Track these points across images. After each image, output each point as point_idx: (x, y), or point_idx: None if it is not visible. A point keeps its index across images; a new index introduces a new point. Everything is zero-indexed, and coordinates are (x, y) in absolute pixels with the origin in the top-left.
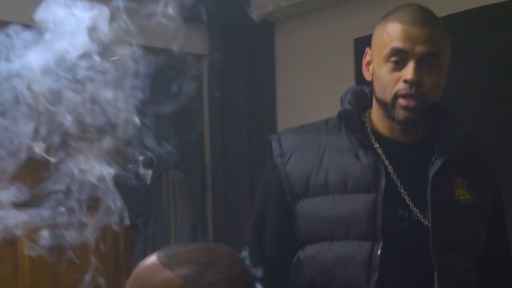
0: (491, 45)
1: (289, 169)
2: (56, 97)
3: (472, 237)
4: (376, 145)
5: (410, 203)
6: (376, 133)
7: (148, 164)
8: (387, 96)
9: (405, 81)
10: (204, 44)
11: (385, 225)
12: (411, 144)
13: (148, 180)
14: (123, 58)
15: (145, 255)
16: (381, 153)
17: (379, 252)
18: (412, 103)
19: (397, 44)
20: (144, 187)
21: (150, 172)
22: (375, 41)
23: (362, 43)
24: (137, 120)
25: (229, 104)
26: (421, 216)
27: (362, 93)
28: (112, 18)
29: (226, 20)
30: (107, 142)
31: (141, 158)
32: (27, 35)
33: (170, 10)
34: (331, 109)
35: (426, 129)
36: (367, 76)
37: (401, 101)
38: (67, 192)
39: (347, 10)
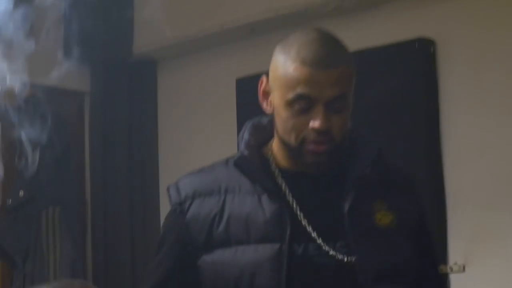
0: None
1: (190, 219)
2: None
3: (401, 261)
4: (282, 185)
5: (323, 244)
6: (281, 169)
7: (27, 200)
8: (293, 141)
9: (314, 130)
10: (86, 81)
11: (292, 276)
12: (321, 176)
13: (27, 216)
14: (3, 94)
15: None
16: (286, 195)
17: None
18: (321, 148)
19: (302, 90)
20: (23, 223)
21: (29, 208)
22: (273, 72)
23: (244, 84)
24: (16, 155)
25: (110, 141)
26: (340, 254)
27: (260, 126)
28: None
29: (108, 57)
30: None
31: (21, 194)
32: None
33: (52, 46)
34: (213, 149)
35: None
36: (267, 109)
37: (310, 146)
38: None
39: (229, 51)
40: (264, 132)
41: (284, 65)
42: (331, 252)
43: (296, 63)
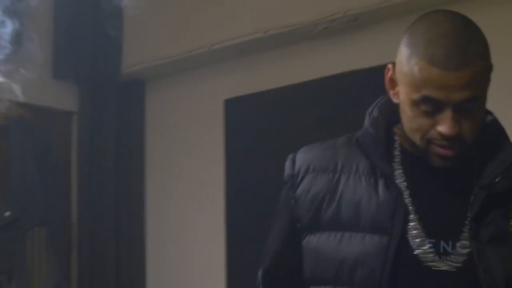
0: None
1: (299, 194)
2: None
3: None
4: (403, 171)
5: (440, 244)
6: (406, 153)
7: (13, 221)
8: (418, 140)
9: (441, 135)
10: (74, 101)
11: (397, 274)
12: (447, 170)
13: (13, 236)
14: None
15: None
16: (405, 183)
17: None
18: (449, 153)
19: (429, 92)
20: (8, 243)
21: (15, 228)
22: (398, 65)
23: (232, 104)
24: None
25: (97, 162)
26: (460, 258)
27: (394, 104)
28: None
29: (96, 77)
30: None
31: (6, 214)
32: None
33: (40, 66)
34: (200, 167)
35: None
36: (393, 98)
37: (437, 149)
38: None
39: (217, 71)
40: (397, 110)
41: (409, 61)
42: (450, 255)
43: (423, 61)
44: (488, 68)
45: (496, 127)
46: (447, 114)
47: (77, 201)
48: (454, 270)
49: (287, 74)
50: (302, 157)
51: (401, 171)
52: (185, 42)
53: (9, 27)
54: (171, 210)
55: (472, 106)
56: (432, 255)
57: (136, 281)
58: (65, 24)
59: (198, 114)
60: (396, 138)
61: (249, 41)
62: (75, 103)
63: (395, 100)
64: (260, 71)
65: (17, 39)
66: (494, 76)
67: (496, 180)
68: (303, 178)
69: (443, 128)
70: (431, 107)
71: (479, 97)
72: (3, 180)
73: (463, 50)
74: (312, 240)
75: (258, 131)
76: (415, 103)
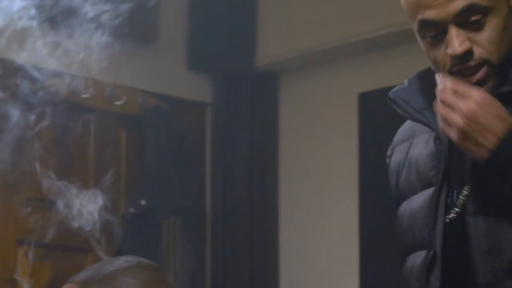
0: None
1: (390, 169)
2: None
3: None
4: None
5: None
6: None
7: (149, 209)
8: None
9: (452, 57)
10: (209, 93)
11: (445, 227)
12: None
13: (148, 225)
14: (129, 103)
15: None
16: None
17: (433, 262)
18: (474, 79)
19: (423, 15)
20: (144, 231)
21: (151, 217)
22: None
23: (367, 98)
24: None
25: (232, 152)
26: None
27: None
28: (118, 62)
29: (230, 69)
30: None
31: (142, 203)
32: None
33: (176, 58)
34: (333, 163)
35: None
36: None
37: (464, 80)
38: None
39: (352, 64)
40: None
41: None
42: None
43: None
44: None
45: None
46: (451, 33)
47: (211, 192)
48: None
49: (421, 68)
50: (397, 133)
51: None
52: (320, 35)
53: (146, 20)
54: (304, 204)
55: (477, 16)
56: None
57: (269, 271)
58: (200, 15)
59: (331, 107)
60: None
61: (384, 35)
62: (209, 94)
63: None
64: (395, 65)
65: (154, 30)
66: None
67: None
68: (392, 153)
69: (449, 49)
70: (433, 30)
71: (481, 4)
72: (139, 169)
73: None
74: (399, 210)
75: (393, 126)
76: (419, 34)
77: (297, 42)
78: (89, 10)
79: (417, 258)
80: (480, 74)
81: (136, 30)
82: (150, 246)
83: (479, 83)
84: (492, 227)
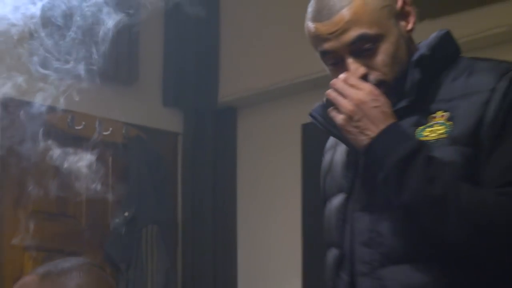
0: None
1: (321, 170)
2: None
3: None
4: None
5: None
6: None
7: (131, 219)
8: None
9: None
10: (180, 125)
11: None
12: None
13: (131, 232)
14: (113, 133)
15: None
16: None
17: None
18: None
19: (321, 46)
20: (127, 238)
21: (132, 226)
22: None
23: (308, 128)
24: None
25: (198, 173)
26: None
27: None
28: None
29: (197, 105)
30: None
31: (125, 214)
32: None
33: (153, 96)
34: (280, 179)
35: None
36: None
37: None
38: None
39: (296, 101)
40: None
41: (305, 27)
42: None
43: (307, 21)
44: (381, 10)
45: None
46: (347, 62)
47: (181, 206)
48: None
49: None
50: (328, 140)
51: None
52: (270, 77)
53: (128, 63)
54: (256, 214)
55: (368, 44)
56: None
57: (229, 268)
58: (172, 61)
59: (279, 135)
60: None
61: (321, 77)
62: (180, 126)
63: None
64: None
65: (134, 73)
66: None
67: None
68: (323, 159)
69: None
70: (332, 59)
71: (371, 34)
72: (123, 187)
73: (331, 0)
74: (325, 210)
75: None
76: (324, 62)
77: (252, 83)
78: (81, 57)
79: (331, 255)
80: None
81: (120, 73)
82: (132, 249)
83: (386, 91)
84: (373, 221)
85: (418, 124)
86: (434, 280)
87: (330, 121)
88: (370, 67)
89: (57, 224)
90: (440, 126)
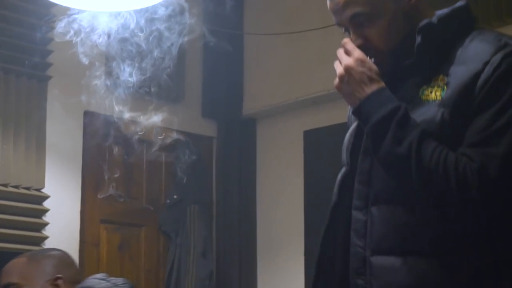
0: None
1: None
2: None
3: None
4: None
5: None
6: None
7: (179, 201)
8: None
9: None
10: (214, 131)
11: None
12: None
13: (179, 210)
14: (166, 137)
15: (174, 256)
16: None
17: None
18: (373, 61)
19: (334, 19)
20: (176, 214)
21: (180, 205)
22: None
23: (310, 135)
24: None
25: (228, 167)
26: None
27: None
28: (162, 113)
29: (227, 116)
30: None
31: (175, 197)
32: None
33: (195, 109)
34: (289, 175)
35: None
36: None
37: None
38: None
39: (300, 114)
40: None
41: None
42: None
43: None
44: None
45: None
46: (350, 32)
47: (215, 191)
48: None
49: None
50: None
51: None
52: (280, 96)
53: (177, 86)
54: (270, 200)
55: (363, 20)
56: None
57: (250, 236)
58: (208, 83)
59: (287, 140)
60: None
61: (319, 96)
62: (214, 132)
63: None
64: (327, 116)
65: (181, 93)
66: None
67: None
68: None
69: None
70: (343, 28)
71: (364, 12)
72: (173, 176)
73: None
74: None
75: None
76: (341, 29)
77: (267, 100)
78: (144, 80)
79: (341, 172)
80: (375, 59)
81: (171, 93)
82: (179, 223)
83: (378, 65)
84: (372, 165)
85: (422, 84)
86: (415, 220)
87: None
88: (367, 39)
89: (125, 204)
90: (439, 88)
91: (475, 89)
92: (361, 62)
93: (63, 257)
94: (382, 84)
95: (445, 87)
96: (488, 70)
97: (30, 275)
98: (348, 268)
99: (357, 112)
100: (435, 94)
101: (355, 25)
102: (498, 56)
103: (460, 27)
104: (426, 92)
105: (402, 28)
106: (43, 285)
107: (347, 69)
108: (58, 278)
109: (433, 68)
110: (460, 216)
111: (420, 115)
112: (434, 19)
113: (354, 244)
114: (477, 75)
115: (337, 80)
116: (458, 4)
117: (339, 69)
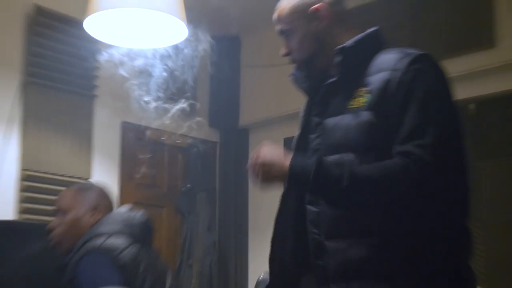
0: None
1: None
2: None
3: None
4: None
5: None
6: None
7: (191, 188)
8: None
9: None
10: (218, 137)
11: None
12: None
13: (191, 196)
14: (182, 142)
15: (187, 230)
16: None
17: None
18: (295, 67)
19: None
20: (190, 199)
21: (192, 192)
22: None
23: (288, 142)
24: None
25: (228, 165)
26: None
27: None
28: (181, 124)
29: (228, 126)
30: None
31: (188, 185)
32: None
33: (204, 121)
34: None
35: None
36: None
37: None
38: None
39: (284, 125)
40: None
41: None
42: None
43: None
44: (287, 17)
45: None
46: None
47: (218, 182)
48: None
49: None
50: None
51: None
52: (269, 111)
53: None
54: (259, 191)
55: (285, 35)
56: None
57: (243, 215)
58: (214, 99)
59: None
60: None
61: (296, 112)
62: (217, 137)
63: None
64: None
65: (194, 109)
66: None
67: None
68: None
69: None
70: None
71: (285, 29)
72: (186, 170)
73: (277, 7)
74: None
75: None
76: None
77: (258, 115)
78: (165, 97)
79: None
80: (297, 64)
81: (187, 109)
82: (191, 205)
83: (297, 69)
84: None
85: (348, 97)
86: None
87: (300, 80)
88: (289, 49)
89: (151, 190)
90: (362, 97)
91: (391, 93)
92: (263, 161)
93: (103, 190)
94: (289, 157)
95: (367, 95)
96: (396, 75)
97: (77, 203)
98: (298, 247)
99: (293, 176)
100: (360, 102)
101: (283, 38)
102: (404, 62)
103: (373, 47)
104: (352, 103)
105: (313, 45)
106: (85, 211)
107: (261, 166)
108: (98, 206)
109: (354, 82)
110: (408, 200)
111: (351, 120)
112: (351, 42)
113: (311, 232)
114: (388, 80)
115: (261, 179)
116: (371, 29)
117: (258, 174)
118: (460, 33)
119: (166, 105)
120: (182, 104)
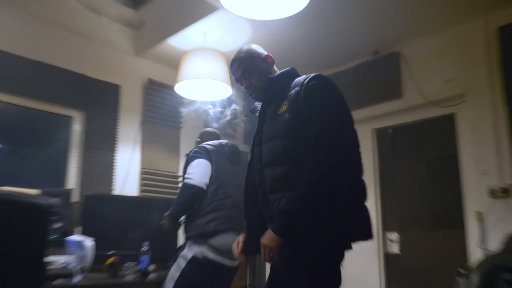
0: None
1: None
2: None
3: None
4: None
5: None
6: None
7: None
8: None
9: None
10: (248, 150)
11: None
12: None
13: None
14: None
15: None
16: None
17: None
18: (253, 95)
19: (234, 79)
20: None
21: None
22: None
23: None
24: None
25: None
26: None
27: None
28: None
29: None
30: None
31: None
32: None
33: (240, 140)
34: None
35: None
36: None
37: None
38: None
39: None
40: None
41: None
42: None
43: None
44: (248, 61)
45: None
46: (243, 81)
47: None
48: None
49: None
50: None
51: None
52: None
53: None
54: None
55: (247, 74)
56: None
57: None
58: (246, 128)
59: None
60: None
61: None
62: (248, 150)
63: None
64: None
65: (231, 124)
66: None
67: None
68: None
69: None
70: (240, 83)
71: (247, 69)
72: None
73: (235, 57)
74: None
75: None
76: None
77: None
78: (225, 130)
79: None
80: (254, 94)
81: (232, 134)
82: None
83: (255, 98)
84: (258, 153)
85: (278, 107)
86: (286, 173)
87: (256, 108)
88: (251, 82)
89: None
90: (285, 105)
91: (300, 100)
92: (268, 244)
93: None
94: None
95: (287, 104)
96: (303, 89)
97: None
98: (260, 206)
99: (280, 234)
100: (283, 109)
101: (245, 77)
102: (306, 80)
103: (290, 77)
104: (280, 110)
105: (265, 76)
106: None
107: (266, 250)
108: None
109: (280, 98)
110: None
111: (280, 120)
112: (276, 74)
113: (259, 191)
114: (298, 92)
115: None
116: (288, 68)
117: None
118: (381, 89)
119: (223, 131)
120: (232, 131)
